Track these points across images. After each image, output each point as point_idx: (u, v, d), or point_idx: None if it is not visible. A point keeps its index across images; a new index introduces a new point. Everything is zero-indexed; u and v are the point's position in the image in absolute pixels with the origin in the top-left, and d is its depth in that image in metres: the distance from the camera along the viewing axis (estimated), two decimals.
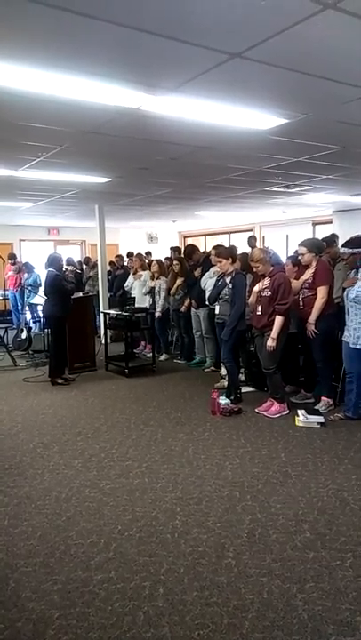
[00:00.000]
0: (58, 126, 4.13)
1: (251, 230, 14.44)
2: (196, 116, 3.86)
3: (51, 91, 3.20)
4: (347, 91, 3.32)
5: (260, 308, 4.85)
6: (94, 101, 3.43)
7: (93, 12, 2.20)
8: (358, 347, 4.40)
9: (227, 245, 12.25)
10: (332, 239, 6.29)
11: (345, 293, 4.57)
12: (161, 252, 12.91)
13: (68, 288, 6.35)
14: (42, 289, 8.07)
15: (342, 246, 4.81)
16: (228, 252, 5.41)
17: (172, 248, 9.73)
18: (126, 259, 10.84)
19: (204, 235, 16.73)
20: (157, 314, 7.30)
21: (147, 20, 2.29)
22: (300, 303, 4.97)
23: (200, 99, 3.44)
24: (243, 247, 10.69)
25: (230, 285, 5.20)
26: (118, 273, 10.25)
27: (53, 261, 6.34)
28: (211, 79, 3.04)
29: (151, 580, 2.46)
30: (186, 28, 2.36)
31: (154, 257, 11.16)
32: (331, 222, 12.12)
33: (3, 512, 3.13)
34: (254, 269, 5.00)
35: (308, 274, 4.97)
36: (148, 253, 12.24)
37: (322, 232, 12.51)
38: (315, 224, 13.26)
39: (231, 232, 15.52)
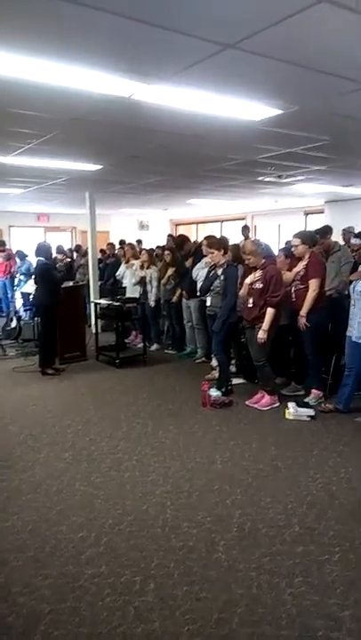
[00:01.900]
0: (47, 113, 4.06)
1: (243, 219, 14.39)
2: (189, 106, 3.81)
3: (41, 78, 3.13)
4: (339, 83, 3.29)
5: (251, 301, 4.84)
6: (85, 89, 3.37)
7: (85, 0, 2.14)
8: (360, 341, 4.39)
9: (218, 235, 12.22)
10: (326, 230, 6.26)
11: (352, 286, 4.53)
12: (152, 240, 12.85)
13: (57, 277, 6.30)
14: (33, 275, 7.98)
15: (355, 237, 4.79)
16: (219, 244, 5.39)
17: (169, 235, 9.67)
18: (118, 246, 10.75)
19: (196, 223, 16.66)
20: (151, 303, 7.27)
21: (141, 9, 2.24)
22: (293, 296, 4.96)
23: (192, 88, 3.39)
24: (235, 236, 10.67)
25: (222, 277, 5.18)
26: (110, 261, 10.17)
27: (42, 250, 6.26)
28: (204, 69, 2.99)
29: (142, 575, 2.47)
30: (180, 17, 2.31)
31: (145, 245, 11.11)
32: (323, 212, 12.12)
33: None
34: (246, 261, 4.98)
35: (300, 266, 4.96)
36: (139, 241, 12.17)
37: (314, 222, 12.52)
38: (307, 214, 13.26)
39: (223, 220, 15.47)
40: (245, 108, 3.90)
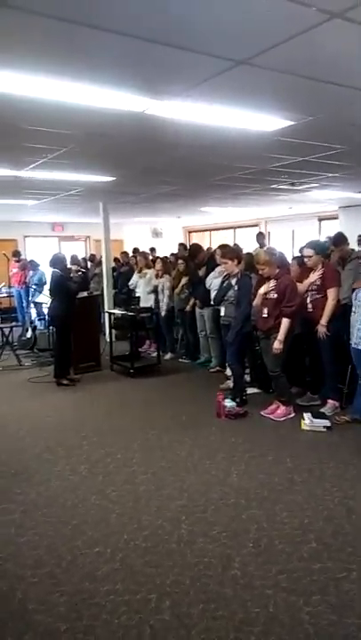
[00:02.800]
0: (63, 129, 4.11)
1: (256, 225, 14.37)
2: (201, 119, 3.82)
3: (56, 96, 3.18)
4: (353, 94, 3.27)
5: (265, 311, 4.82)
6: (100, 106, 3.40)
7: (99, 23, 2.19)
8: (360, 347, 4.38)
9: (232, 243, 12.21)
10: (342, 239, 6.21)
11: (354, 294, 4.52)
12: (166, 248, 12.89)
13: (72, 288, 6.34)
14: (47, 287, 8.06)
15: None
16: (233, 253, 5.38)
17: (180, 244, 9.70)
18: (131, 255, 10.81)
19: (209, 230, 16.67)
20: (163, 312, 7.28)
21: (152, 30, 2.26)
22: (309, 306, 4.93)
23: (205, 103, 3.40)
24: (249, 243, 10.67)
25: (236, 287, 5.17)
26: (123, 270, 10.23)
27: (57, 261, 6.32)
28: (216, 84, 3.00)
29: (157, 592, 2.46)
30: (191, 36, 2.33)
31: (158, 253, 11.16)
32: (337, 218, 12.05)
33: (9, 520, 3.14)
34: (260, 272, 4.97)
35: (314, 276, 4.93)
36: (153, 249, 12.23)
37: (328, 227, 12.45)
38: (320, 219, 13.19)
39: (236, 227, 15.46)
40: (258, 120, 3.90)
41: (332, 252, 5.73)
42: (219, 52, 2.51)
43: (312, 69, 2.80)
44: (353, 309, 4.49)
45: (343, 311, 5.08)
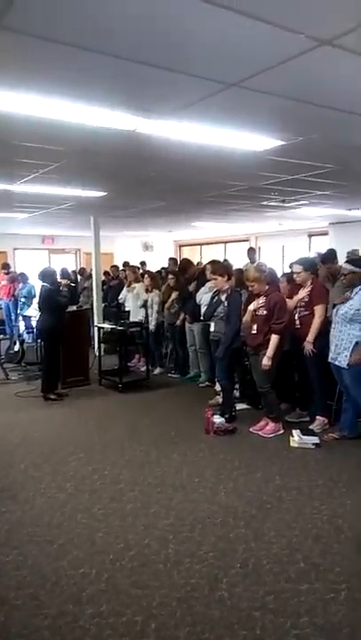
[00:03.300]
0: (54, 146, 4.14)
1: (247, 240, 14.49)
2: (192, 138, 3.87)
3: (48, 114, 3.20)
4: (343, 117, 3.34)
5: (255, 327, 4.84)
6: (91, 124, 3.43)
7: (92, 45, 2.23)
8: (336, 362, 4.44)
9: (223, 257, 12.27)
10: (332, 255, 6.27)
11: (334, 310, 4.58)
12: (157, 262, 12.92)
13: (61, 302, 6.31)
14: (36, 300, 8.02)
15: (346, 262, 4.84)
16: (223, 269, 5.41)
17: (170, 259, 9.73)
18: (122, 268, 10.81)
19: (200, 244, 16.77)
20: (151, 327, 7.26)
21: (144, 53, 2.30)
22: (297, 322, 4.96)
23: (196, 123, 3.45)
24: (239, 257, 10.74)
25: (226, 303, 5.19)
26: (113, 283, 10.22)
27: (46, 275, 6.30)
28: (207, 106, 3.05)
29: (143, 615, 2.42)
30: (182, 59, 2.37)
31: (149, 266, 11.17)
32: (327, 234, 12.19)
33: None
34: (250, 288, 4.99)
35: (303, 293, 4.96)
36: (143, 263, 12.24)
37: (318, 243, 12.59)
38: (310, 235, 13.33)
39: (227, 242, 15.57)
40: (248, 140, 3.96)
41: (320, 269, 5.76)
42: (209, 75, 2.55)
43: (302, 93, 2.85)
44: (332, 325, 4.55)
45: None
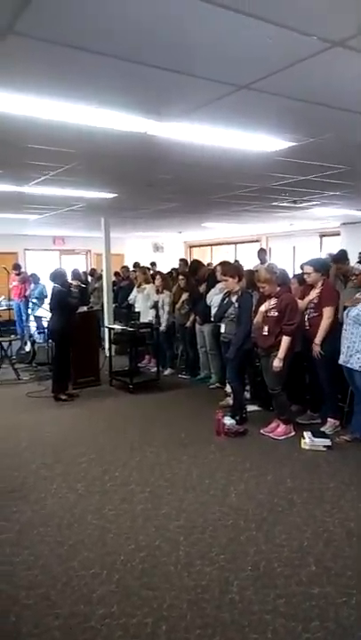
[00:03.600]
0: (66, 148, 4.16)
1: (258, 241, 14.44)
2: (202, 140, 3.87)
3: (60, 117, 3.22)
4: (354, 118, 3.31)
5: (266, 328, 4.82)
6: (102, 126, 3.44)
7: (103, 49, 2.24)
8: (348, 365, 4.40)
9: (233, 258, 12.25)
10: (343, 255, 6.23)
11: (346, 311, 4.54)
12: (167, 263, 12.93)
13: (72, 303, 6.33)
14: (47, 301, 8.07)
15: (357, 262, 4.81)
16: (234, 271, 5.39)
17: (180, 260, 9.73)
18: (132, 269, 10.84)
19: (210, 245, 16.75)
20: (162, 328, 7.27)
21: (154, 56, 2.31)
22: (307, 323, 4.93)
23: (206, 125, 3.45)
24: (250, 258, 10.70)
25: (236, 305, 5.18)
26: (123, 284, 10.26)
27: (57, 276, 6.33)
28: (218, 108, 3.05)
29: (153, 616, 2.42)
30: (193, 62, 2.37)
31: (159, 267, 11.18)
32: (338, 234, 12.11)
33: (5, 539, 3.10)
34: (261, 289, 4.97)
35: (313, 294, 4.94)
36: (153, 264, 12.26)
37: (329, 244, 12.51)
38: (322, 236, 13.26)
39: (238, 243, 15.54)
40: (259, 141, 3.95)
41: (331, 268, 5.72)
42: (220, 78, 2.55)
43: (313, 94, 2.84)
44: (344, 327, 4.51)
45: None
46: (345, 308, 4.63)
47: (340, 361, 4.48)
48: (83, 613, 2.45)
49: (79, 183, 5.90)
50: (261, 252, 10.15)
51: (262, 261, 9.74)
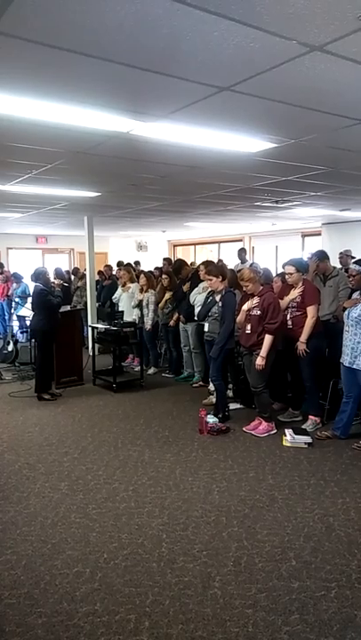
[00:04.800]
0: (48, 147, 4.14)
1: (240, 240, 14.53)
2: (185, 140, 3.89)
3: (42, 116, 3.22)
4: (334, 120, 3.37)
5: (249, 327, 4.87)
6: (85, 126, 3.45)
7: (86, 50, 2.25)
8: (354, 366, 4.41)
9: (217, 257, 12.30)
10: (325, 255, 6.29)
11: (346, 312, 4.57)
12: (151, 262, 12.94)
13: (54, 302, 6.29)
14: (30, 300, 8.01)
15: (354, 263, 4.86)
16: (218, 270, 5.43)
17: (164, 259, 9.75)
18: (116, 268, 10.82)
19: (194, 244, 16.80)
20: (147, 327, 7.29)
21: (136, 57, 2.32)
22: (289, 323, 5.00)
23: (189, 125, 3.47)
24: (233, 258, 10.77)
25: (220, 304, 5.22)
26: (106, 283, 10.24)
27: (39, 275, 6.28)
28: (200, 109, 3.07)
29: (136, 613, 2.45)
30: (176, 63, 2.39)
31: (143, 266, 11.18)
32: (320, 234, 12.25)
33: None
34: (244, 288, 5.02)
35: (294, 293, 5.01)
36: (137, 263, 12.25)
37: (311, 244, 12.65)
38: (304, 236, 13.40)
39: (221, 242, 15.61)
40: (241, 142, 3.99)
41: (310, 263, 5.72)
42: (202, 79, 2.58)
43: (294, 97, 2.89)
44: (345, 328, 4.54)
45: (324, 328, 5.18)
46: (344, 309, 4.67)
47: (346, 363, 4.47)
48: (66, 611, 2.46)
49: (62, 182, 5.87)
50: (242, 252, 10.24)
51: (243, 261, 9.84)
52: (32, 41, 2.15)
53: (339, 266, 7.39)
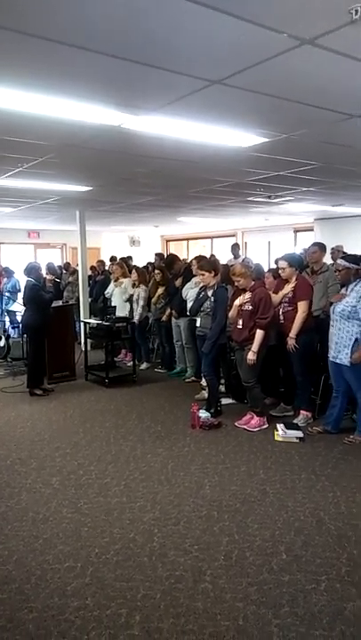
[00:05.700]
0: (38, 140, 4.11)
1: (233, 236, 14.53)
2: (177, 134, 3.88)
3: (33, 109, 3.19)
4: (326, 114, 3.37)
5: (240, 322, 4.88)
6: (75, 119, 3.42)
7: (77, 42, 2.23)
8: (338, 360, 4.45)
9: (209, 252, 12.29)
10: (324, 247, 6.28)
11: (332, 307, 4.60)
12: (143, 257, 12.90)
13: (45, 298, 6.25)
14: (20, 295, 7.96)
15: (341, 258, 4.86)
16: (210, 265, 5.42)
17: (156, 254, 9.73)
18: (109, 263, 10.77)
19: (187, 239, 16.78)
20: (135, 321, 7.25)
21: (127, 50, 2.31)
22: (281, 317, 5.01)
23: (181, 119, 3.46)
24: (226, 253, 10.77)
25: (212, 299, 5.22)
26: (99, 278, 10.20)
27: (32, 270, 6.24)
28: (191, 102, 3.06)
29: (127, 607, 2.45)
30: (167, 56, 2.38)
31: (136, 261, 11.15)
32: (312, 230, 12.28)
33: None
34: (235, 283, 5.02)
35: (288, 288, 5.01)
36: (130, 258, 12.21)
37: (304, 239, 12.68)
38: (296, 231, 13.42)
39: (214, 237, 15.60)
40: (233, 137, 3.98)
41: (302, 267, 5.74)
42: (194, 73, 2.57)
43: (285, 91, 2.88)
44: (331, 323, 4.57)
45: (316, 323, 5.19)
46: (331, 304, 4.69)
47: (330, 357, 4.52)
48: (57, 606, 2.46)
49: (54, 176, 5.83)
50: (235, 247, 10.24)
51: (235, 256, 9.85)
52: (21, 32, 2.12)
53: (330, 261, 7.41)
